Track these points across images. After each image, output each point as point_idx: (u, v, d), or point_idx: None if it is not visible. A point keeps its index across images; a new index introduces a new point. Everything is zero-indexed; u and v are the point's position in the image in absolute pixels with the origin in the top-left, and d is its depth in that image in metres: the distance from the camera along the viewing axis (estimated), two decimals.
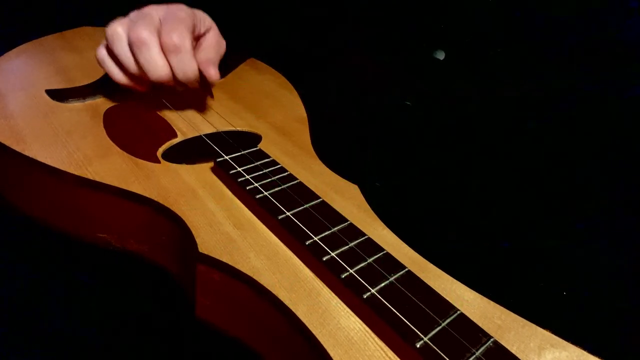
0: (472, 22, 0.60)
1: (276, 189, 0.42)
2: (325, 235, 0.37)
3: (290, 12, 0.70)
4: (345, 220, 0.39)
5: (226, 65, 0.65)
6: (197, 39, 0.52)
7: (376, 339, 0.32)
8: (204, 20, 0.53)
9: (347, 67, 0.68)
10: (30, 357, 0.41)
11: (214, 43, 0.53)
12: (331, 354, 0.30)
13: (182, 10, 0.50)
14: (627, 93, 0.58)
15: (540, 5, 0.58)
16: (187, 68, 0.47)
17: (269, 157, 0.47)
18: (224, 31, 0.56)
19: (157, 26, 0.47)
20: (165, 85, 0.49)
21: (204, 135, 0.51)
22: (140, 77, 0.49)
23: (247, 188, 0.42)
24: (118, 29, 0.47)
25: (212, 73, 0.50)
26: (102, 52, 0.49)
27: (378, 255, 0.36)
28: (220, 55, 0.55)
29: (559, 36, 0.58)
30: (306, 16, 0.70)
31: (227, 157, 0.46)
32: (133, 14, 0.49)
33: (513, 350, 0.30)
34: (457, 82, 0.62)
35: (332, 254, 0.36)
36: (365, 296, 0.32)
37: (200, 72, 0.50)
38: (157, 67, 0.46)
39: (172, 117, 0.54)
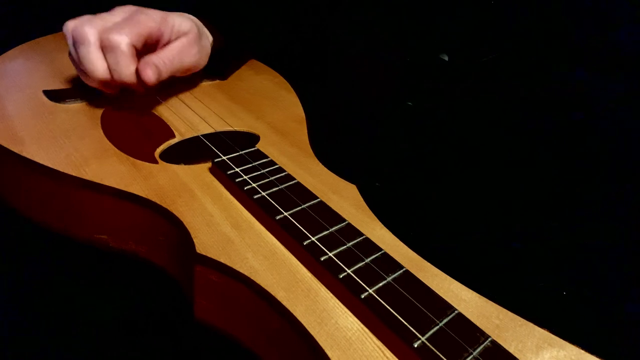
0: (473, 23, 0.60)
1: (274, 189, 0.42)
2: (323, 235, 0.37)
3: (291, 11, 0.70)
4: (343, 220, 0.39)
5: (228, 67, 0.65)
6: (163, 45, 0.51)
7: (374, 338, 0.32)
8: (178, 27, 0.52)
9: (347, 67, 0.68)
10: (30, 356, 0.41)
11: (174, 50, 0.51)
12: (329, 354, 0.30)
13: (148, 14, 0.48)
14: (628, 94, 0.58)
15: (541, 6, 0.58)
16: (121, 68, 0.46)
17: (267, 157, 0.47)
18: (225, 33, 0.56)
19: (109, 26, 0.46)
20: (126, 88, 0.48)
21: (201, 135, 0.50)
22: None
23: (245, 188, 0.42)
24: (69, 25, 0.46)
25: (148, 74, 0.47)
26: (69, 50, 0.49)
27: (376, 255, 0.36)
28: (180, 63, 0.52)
29: (560, 38, 0.58)
30: (306, 16, 0.70)
31: (224, 158, 0.46)
32: (100, 13, 0.48)
33: (511, 349, 0.31)
34: (460, 83, 0.62)
35: (330, 254, 0.36)
36: (363, 296, 0.32)
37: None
38: (93, 64, 0.45)
39: (170, 117, 0.54)
